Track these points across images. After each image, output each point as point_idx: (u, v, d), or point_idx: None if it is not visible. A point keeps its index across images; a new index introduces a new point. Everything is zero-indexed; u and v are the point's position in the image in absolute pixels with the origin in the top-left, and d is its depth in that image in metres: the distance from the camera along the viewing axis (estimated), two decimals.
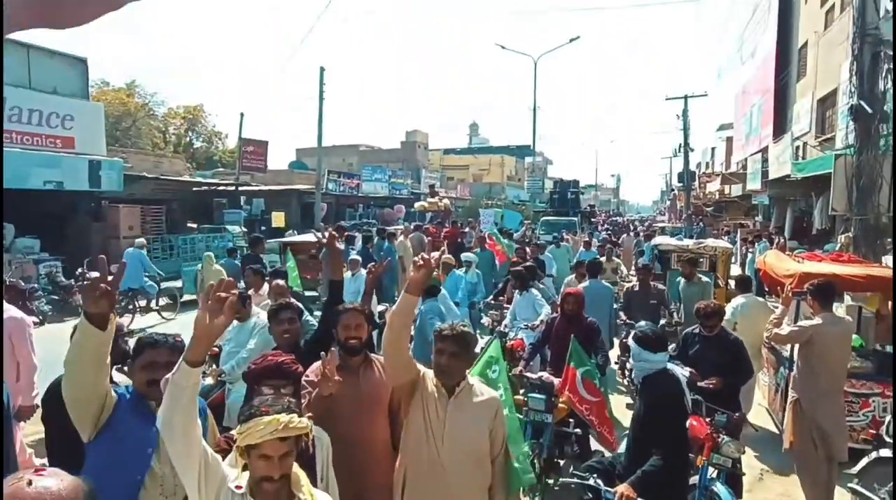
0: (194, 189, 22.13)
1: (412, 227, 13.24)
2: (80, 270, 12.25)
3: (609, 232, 21.82)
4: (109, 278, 1.81)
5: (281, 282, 5.17)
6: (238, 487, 1.63)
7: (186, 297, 11.87)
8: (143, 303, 11.21)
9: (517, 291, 6.41)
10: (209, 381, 4.04)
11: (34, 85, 15.12)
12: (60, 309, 11.14)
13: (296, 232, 15.64)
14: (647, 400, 2.86)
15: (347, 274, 7.47)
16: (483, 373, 3.01)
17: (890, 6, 7.40)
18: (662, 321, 6.25)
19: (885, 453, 3.72)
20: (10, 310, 3.65)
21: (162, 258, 14.79)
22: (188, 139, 41.41)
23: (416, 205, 23.30)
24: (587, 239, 12.91)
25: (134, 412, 2.05)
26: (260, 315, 4.10)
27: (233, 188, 22.62)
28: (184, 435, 1.58)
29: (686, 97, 27.73)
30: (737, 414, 3.54)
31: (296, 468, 1.67)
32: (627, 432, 3.60)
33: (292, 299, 3.79)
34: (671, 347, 2.97)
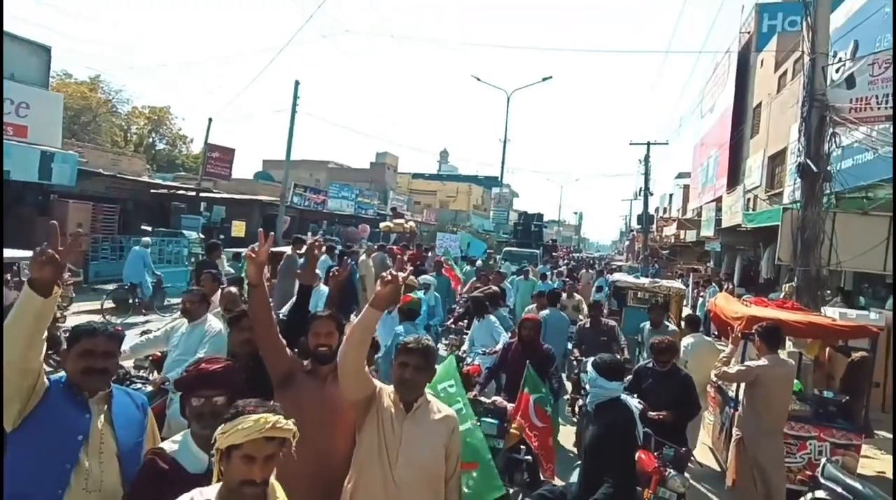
0: (152, 191, 21.42)
1: (376, 246, 13.15)
2: (17, 264, 11.59)
3: (570, 267, 22.27)
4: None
5: (233, 290, 4.99)
6: None
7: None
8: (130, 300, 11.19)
9: (476, 317, 6.45)
10: (149, 389, 3.84)
11: None
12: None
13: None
14: (599, 427, 2.89)
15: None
16: (435, 388, 3.00)
17: (835, 75, 7.97)
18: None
19: (820, 494, 3.85)
20: None
21: (110, 259, 14.18)
22: (151, 140, 40.29)
23: (382, 225, 23.24)
24: (544, 273, 13.22)
25: (65, 400, 1.95)
26: (211, 322, 3.96)
27: (193, 193, 22.01)
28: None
29: (648, 144, 28.98)
30: (683, 449, 3.61)
31: (272, 478, 1.60)
32: (579, 462, 3.63)
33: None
34: (626, 380, 3.03)
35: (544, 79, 30.47)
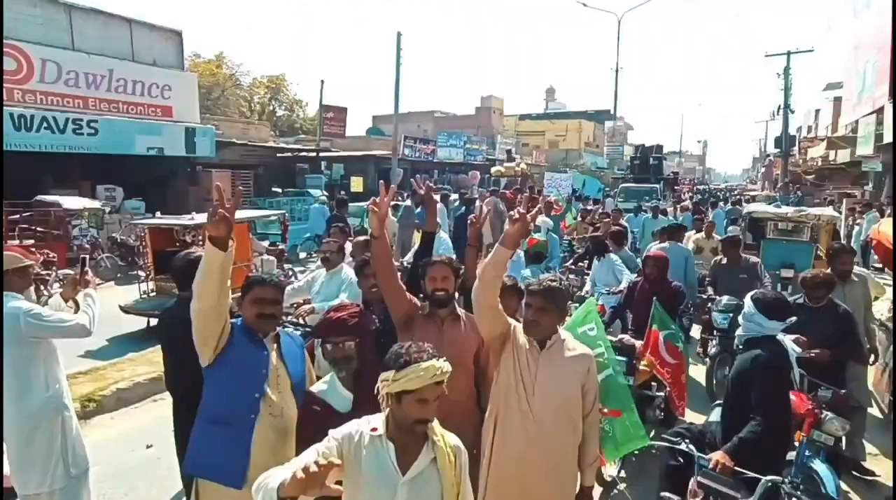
0: (279, 155, 23.15)
1: (488, 192, 13.16)
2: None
3: (696, 201, 20.60)
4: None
5: (363, 239, 5.32)
6: (374, 429, 1.69)
7: None
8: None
9: (596, 257, 6.27)
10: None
11: (136, 57, 16.23)
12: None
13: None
14: (747, 363, 2.69)
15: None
16: (574, 329, 2.99)
17: None
18: None
19: None
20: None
21: None
22: (271, 108, 43.13)
23: (493, 170, 23.11)
24: (664, 208, 12.25)
25: (247, 340, 2.28)
26: (347, 270, 4.28)
27: (314, 154, 23.42)
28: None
29: (789, 53, 25.27)
30: (843, 391, 3.28)
31: None
32: (717, 402, 3.47)
33: None
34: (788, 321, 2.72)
35: None
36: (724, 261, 5.96)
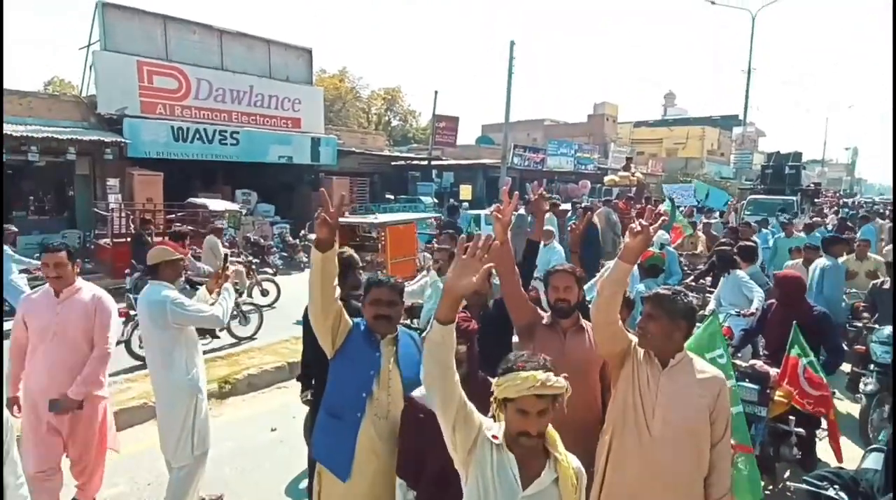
0: (392, 163, 24.21)
1: (600, 202, 12.68)
2: (302, 232, 14.41)
3: (841, 216, 18.20)
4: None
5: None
6: (494, 437, 1.67)
7: None
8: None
9: (722, 273, 5.77)
10: None
11: (273, 74, 17.86)
12: (288, 264, 13.24)
13: (486, 204, 16.19)
14: None
15: (539, 245, 7.50)
16: (702, 353, 2.76)
17: None
18: None
19: None
20: (95, 289, 3.22)
21: None
22: (387, 118, 45.34)
23: (606, 179, 22.25)
24: (809, 223, 10.63)
25: (364, 339, 2.36)
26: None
27: (425, 163, 24.18)
28: (440, 386, 1.69)
29: None
30: None
31: (550, 427, 1.68)
32: (873, 447, 3.01)
33: None
34: None
35: None
36: (887, 285, 5.18)
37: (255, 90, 17.12)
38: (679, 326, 2.21)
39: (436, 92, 24.43)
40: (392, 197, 20.12)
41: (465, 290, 1.64)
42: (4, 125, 11.25)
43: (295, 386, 3.91)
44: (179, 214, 12.59)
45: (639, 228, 2.08)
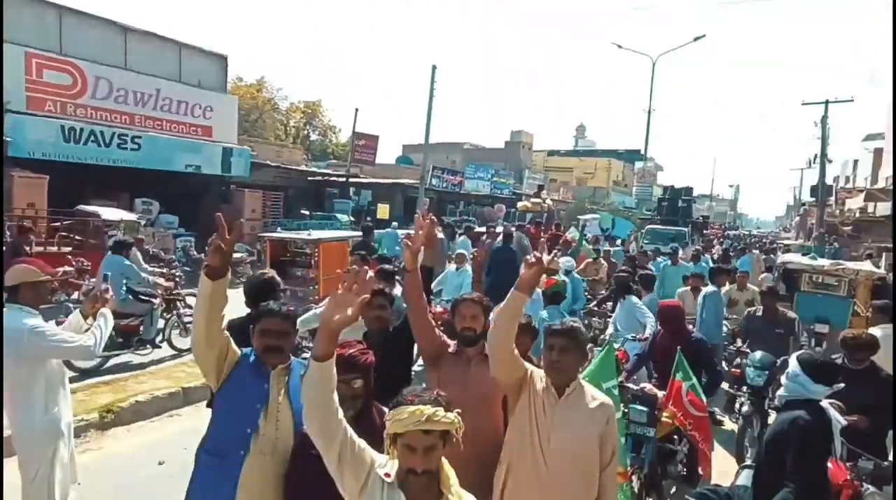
0: (309, 178, 23.65)
1: (513, 227, 13.11)
2: (208, 246, 13.61)
3: (725, 247, 20.12)
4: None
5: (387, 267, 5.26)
6: (387, 475, 1.61)
7: None
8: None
9: (618, 299, 6.16)
10: None
11: (183, 78, 16.92)
12: (192, 279, 12.41)
13: (396, 224, 16.18)
14: (785, 426, 2.55)
15: (451, 267, 7.60)
16: (599, 386, 2.89)
17: None
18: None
19: None
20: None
21: None
22: (306, 132, 44.35)
23: (519, 205, 23.09)
24: (697, 253, 11.61)
25: (251, 371, 2.22)
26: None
27: (343, 180, 23.85)
28: (321, 425, 1.62)
29: (827, 102, 24.94)
30: (885, 463, 3.08)
31: (446, 465, 1.63)
32: (746, 464, 3.30)
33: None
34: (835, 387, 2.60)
35: (696, 38, 27.73)
36: (760, 313, 5.74)
37: (163, 94, 16.11)
38: (584, 356, 2.34)
39: (356, 109, 24.34)
40: (307, 213, 19.60)
41: (340, 325, 1.60)
42: None
43: (191, 413, 3.63)
44: (66, 222, 11.44)
45: (534, 259, 2.15)
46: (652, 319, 5.61)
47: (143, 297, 7.01)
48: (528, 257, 2.21)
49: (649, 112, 29.28)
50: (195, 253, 13.61)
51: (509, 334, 2.18)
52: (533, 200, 21.42)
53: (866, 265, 8.31)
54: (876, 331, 5.00)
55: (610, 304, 7.29)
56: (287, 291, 7.80)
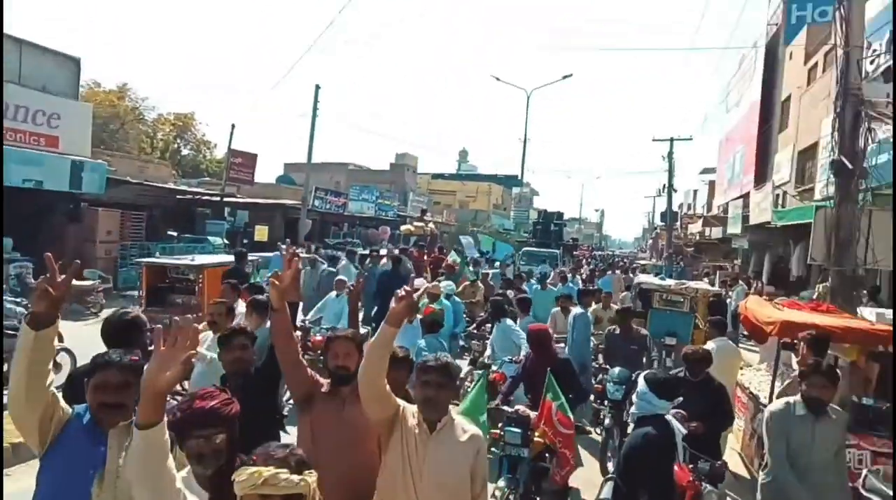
0: (178, 197, 21.83)
1: (397, 250, 13.16)
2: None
3: (592, 268, 21.91)
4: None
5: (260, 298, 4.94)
6: None
7: None
8: None
9: (495, 322, 6.38)
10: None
11: (24, 81, 14.90)
12: (28, 312, 10.77)
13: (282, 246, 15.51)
14: (638, 440, 2.82)
15: (332, 294, 7.38)
16: (477, 415, 2.94)
17: (870, 68, 7.65)
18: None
19: None
20: None
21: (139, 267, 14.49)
22: (176, 146, 41.10)
23: (402, 228, 23.30)
24: (564, 275, 12.27)
25: (84, 432, 1.95)
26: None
27: (217, 199, 22.38)
28: (151, 496, 1.44)
29: (672, 140, 28.48)
30: (719, 462, 3.51)
31: None
32: (609, 477, 3.55)
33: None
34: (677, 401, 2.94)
35: (565, 77, 30.30)
36: (618, 331, 6.28)
37: None
38: (456, 391, 2.38)
39: (233, 125, 23.12)
40: (174, 234, 18.05)
41: (168, 385, 1.45)
42: None
43: (24, 472, 3.06)
44: None
45: (403, 293, 2.13)
46: (525, 340, 5.90)
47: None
48: (399, 291, 2.19)
49: (525, 141, 31.33)
50: (33, 281, 11.85)
51: (380, 370, 2.14)
52: (416, 223, 21.75)
53: (704, 285, 9.49)
54: (710, 345, 5.73)
55: (489, 326, 7.54)
56: (166, 321, 7.35)
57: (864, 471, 4.01)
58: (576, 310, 7.22)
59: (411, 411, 2.29)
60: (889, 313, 8.09)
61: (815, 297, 9.39)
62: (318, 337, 6.89)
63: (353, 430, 2.33)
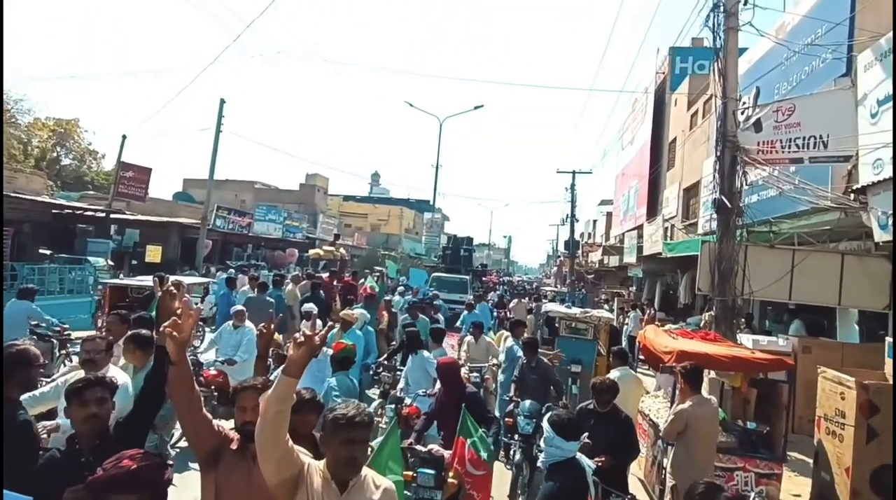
0: (54, 211, 19.57)
1: (305, 276, 12.61)
2: None
3: (500, 294, 22.41)
4: None
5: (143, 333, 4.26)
6: None
7: None
8: None
9: (409, 353, 6.21)
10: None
11: None
12: None
13: (179, 269, 14.34)
14: (553, 488, 2.77)
15: (227, 324, 6.82)
16: (399, 472, 2.74)
17: (741, 118, 8.53)
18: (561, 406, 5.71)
19: None
20: None
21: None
22: (55, 155, 37.13)
23: (311, 252, 22.45)
24: (470, 302, 12.12)
25: None
26: (115, 375, 3.39)
27: (103, 215, 20.35)
28: None
29: (574, 172, 30.28)
30: (628, 497, 3.57)
31: None
32: None
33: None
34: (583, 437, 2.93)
35: (476, 107, 31.32)
36: (525, 362, 6.33)
37: None
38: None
39: (124, 136, 21.24)
40: (48, 253, 16.10)
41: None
42: None
43: None
44: None
45: (302, 337, 1.91)
46: None
47: None
48: (297, 334, 1.97)
49: (437, 167, 31.77)
50: None
51: (280, 424, 1.90)
52: (326, 247, 21.11)
53: (605, 313, 9.97)
54: (614, 374, 5.95)
55: (400, 356, 7.34)
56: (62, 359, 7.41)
57: (753, 495, 4.29)
58: (509, 342, 7.22)
59: (317, 467, 2.04)
60: (764, 339, 8.96)
61: (701, 324, 10.21)
62: (212, 371, 6.32)
63: (264, 493, 2.05)
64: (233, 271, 16.26)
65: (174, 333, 2.04)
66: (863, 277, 8.01)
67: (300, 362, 1.89)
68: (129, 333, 3.98)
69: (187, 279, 10.43)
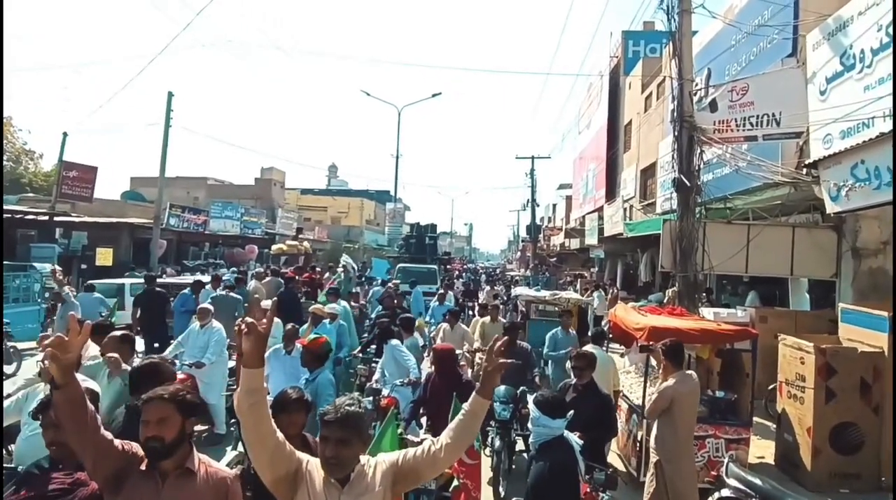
0: None
1: (268, 272, 12.31)
2: None
3: (466, 283, 22.45)
4: None
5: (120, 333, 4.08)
6: None
7: None
8: None
9: (382, 344, 6.14)
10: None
11: None
12: None
13: (131, 271, 13.75)
14: (545, 468, 2.79)
15: (195, 325, 6.57)
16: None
17: (695, 99, 8.75)
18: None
19: (726, 493, 4.10)
20: None
21: None
22: None
23: (274, 247, 21.91)
24: (439, 296, 11.69)
25: None
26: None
27: (46, 218, 19.25)
28: None
29: (533, 158, 30.62)
30: (611, 470, 3.65)
31: None
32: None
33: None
34: (569, 414, 2.94)
35: (434, 95, 31.11)
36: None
37: None
38: (366, 441, 2.09)
39: (65, 133, 20.09)
40: None
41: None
42: None
43: None
44: None
45: (246, 327, 1.79)
46: (413, 361, 5.71)
47: None
48: (238, 322, 1.84)
49: (397, 157, 31.50)
50: None
51: (258, 418, 1.82)
52: (289, 242, 20.65)
53: (575, 295, 10.16)
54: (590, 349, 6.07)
55: (374, 347, 7.27)
56: None
57: (726, 460, 4.46)
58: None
59: (316, 464, 1.98)
60: (724, 312, 9.31)
61: (665, 301, 10.54)
62: (180, 375, 6.09)
63: None
64: (226, 274, 15.20)
65: (58, 354, 1.79)
66: (812, 248, 8.43)
67: (253, 352, 1.80)
68: (115, 334, 3.87)
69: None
